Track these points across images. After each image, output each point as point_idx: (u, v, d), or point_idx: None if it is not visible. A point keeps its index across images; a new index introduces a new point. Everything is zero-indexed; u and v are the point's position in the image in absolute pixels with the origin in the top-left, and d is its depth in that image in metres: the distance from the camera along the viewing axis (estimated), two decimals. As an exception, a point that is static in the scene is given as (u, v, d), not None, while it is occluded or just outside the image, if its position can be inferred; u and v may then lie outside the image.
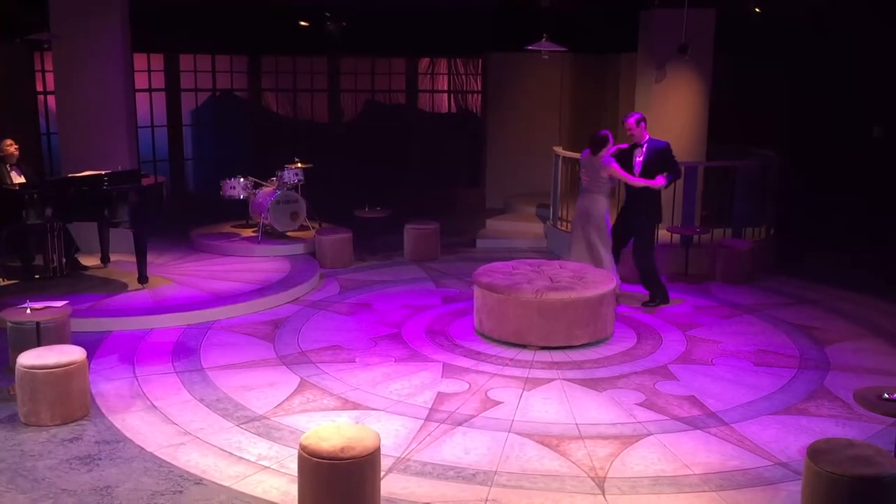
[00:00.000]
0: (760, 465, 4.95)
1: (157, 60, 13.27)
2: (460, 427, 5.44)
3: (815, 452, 4.18)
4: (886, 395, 4.65)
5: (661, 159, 7.89)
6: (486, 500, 4.55)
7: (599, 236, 7.96)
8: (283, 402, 5.82)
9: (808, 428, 5.45)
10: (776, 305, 8.30)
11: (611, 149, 7.92)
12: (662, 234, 9.66)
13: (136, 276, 8.31)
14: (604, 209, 7.97)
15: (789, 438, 5.29)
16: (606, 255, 7.96)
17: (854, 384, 5.80)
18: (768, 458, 5.03)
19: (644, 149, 7.94)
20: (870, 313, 8.07)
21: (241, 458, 4.99)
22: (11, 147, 8.32)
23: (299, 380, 6.22)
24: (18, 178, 8.28)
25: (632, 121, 7.96)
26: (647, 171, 7.88)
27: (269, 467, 4.88)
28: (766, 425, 5.50)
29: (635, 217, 8.03)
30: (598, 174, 7.89)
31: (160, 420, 5.52)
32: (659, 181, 7.80)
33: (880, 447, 4.37)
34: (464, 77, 14.91)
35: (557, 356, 6.75)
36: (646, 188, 7.83)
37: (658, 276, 8.18)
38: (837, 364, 6.67)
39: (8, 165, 8.27)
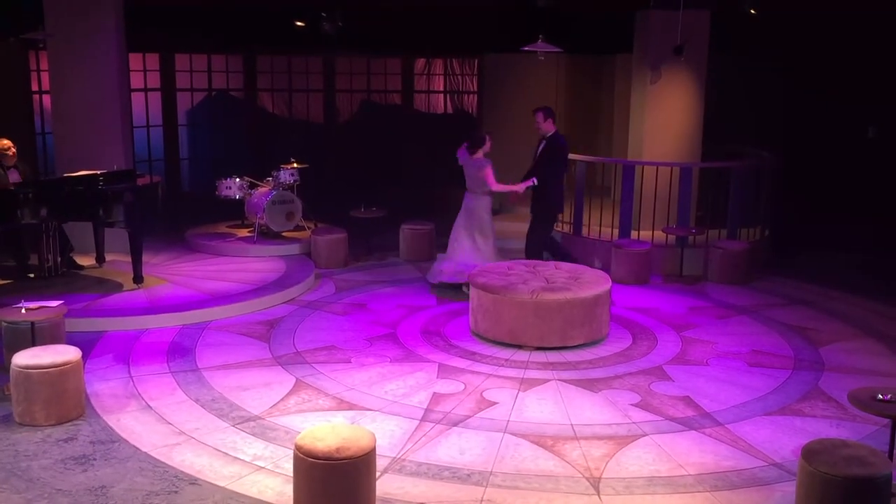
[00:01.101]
0: (755, 465, 4.97)
1: (153, 60, 13.23)
2: (456, 427, 5.44)
3: (809, 453, 4.20)
4: (880, 396, 4.67)
5: (551, 155, 8.32)
6: (482, 500, 4.55)
7: (482, 234, 8.49)
8: (278, 402, 5.82)
9: (802, 428, 5.47)
10: (771, 306, 8.32)
11: (487, 150, 8.35)
12: (658, 234, 9.71)
13: (132, 275, 8.30)
14: (484, 208, 8.47)
15: (783, 439, 5.31)
16: (491, 252, 8.50)
17: (848, 385, 5.82)
18: (762, 459, 5.05)
19: (545, 142, 8.32)
20: (864, 314, 8.09)
21: (236, 458, 4.99)
22: (9, 150, 8.28)
23: (295, 380, 6.21)
24: (15, 179, 8.25)
25: (540, 115, 8.33)
26: (540, 165, 8.39)
27: (264, 467, 4.88)
28: (761, 426, 5.51)
29: (534, 214, 8.64)
30: (475, 174, 8.32)
31: (155, 420, 5.51)
32: (518, 187, 8.37)
33: (874, 448, 4.39)
34: (460, 77, 14.90)
35: (553, 356, 6.76)
36: (535, 187, 8.35)
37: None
38: (831, 365, 6.69)
39: (4, 167, 8.23)
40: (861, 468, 4.05)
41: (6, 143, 8.26)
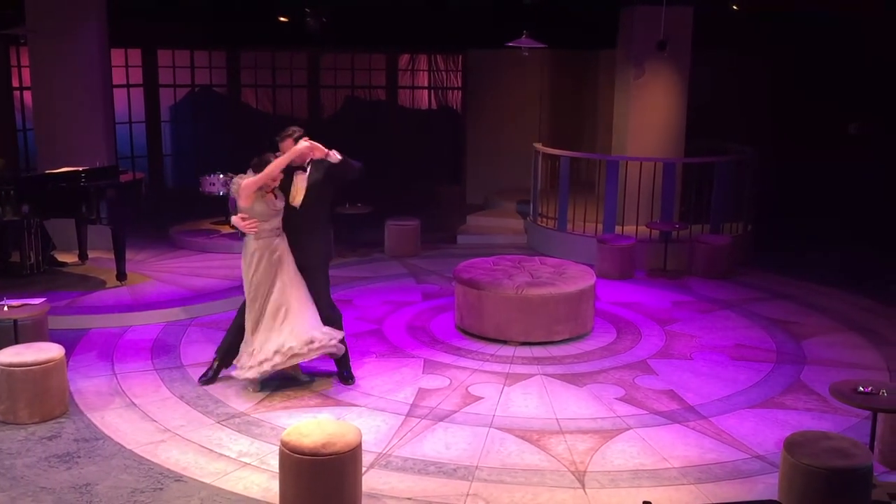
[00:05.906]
0: (738, 457, 5.01)
1: (135, 55, 13.14)
2: (441, 422, 5.46)
3: (792, 445, 4.24)
4: (861, 389, 4.71)
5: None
6: (468, 494, 4.57)
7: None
8: (263, 398, 5.81)
9: (785, 421, 5.52)
10: (753, 300, 8.38)
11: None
12: (642, 229, 9.75)
13: (115, 272, 8.25)
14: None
15: (766, 431, 5.36)
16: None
17: (830, 378, 5.87)
18: (746, 451, 5.09)
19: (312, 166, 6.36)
20: (845, 308, 8.16)
21: (221, 454, 4.98)
22: None
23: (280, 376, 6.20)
24: None
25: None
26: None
27: (249, 464, 4.87)
28: (744, 419, 5.56)
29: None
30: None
31: (140, 417, 5.49)
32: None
33: (855, 440, 4.44)
34: (444, 73, 14.88)
35: (538, 351, 6.78)
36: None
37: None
38: (813, 358, 6.75)
39: None
40: (842, 460, 4.09)
41: None
